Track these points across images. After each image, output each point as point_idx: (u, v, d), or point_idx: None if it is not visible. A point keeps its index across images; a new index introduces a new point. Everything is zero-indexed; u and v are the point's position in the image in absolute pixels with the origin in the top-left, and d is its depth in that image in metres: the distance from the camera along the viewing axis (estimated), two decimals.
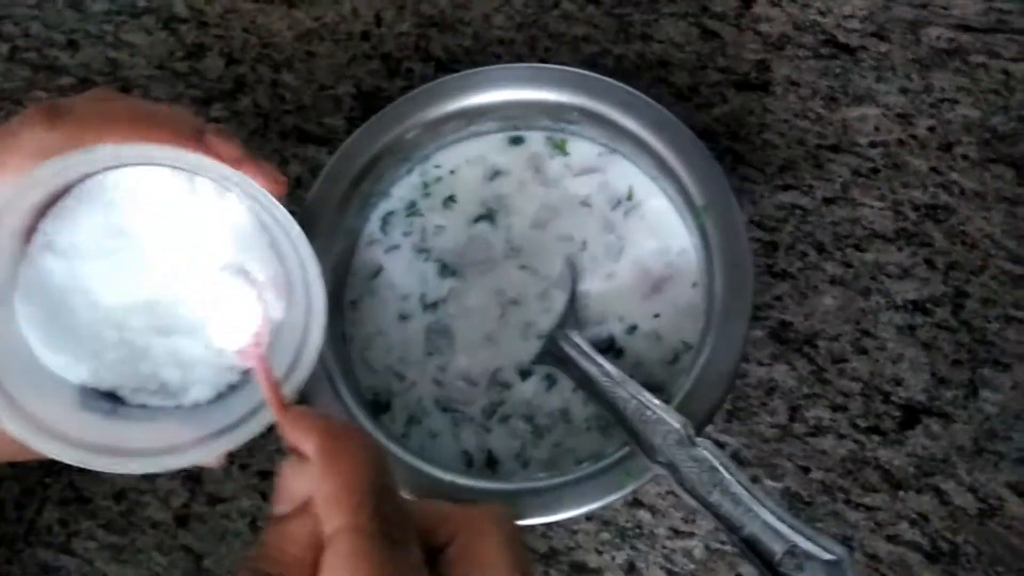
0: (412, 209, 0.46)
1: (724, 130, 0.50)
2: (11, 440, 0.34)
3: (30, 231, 0.36)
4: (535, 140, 0.47)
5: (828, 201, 0.48)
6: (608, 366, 0.39)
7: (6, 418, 0.33)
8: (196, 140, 0.36)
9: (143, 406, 0.38)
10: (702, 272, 0.41)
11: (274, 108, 0.54)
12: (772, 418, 0.44)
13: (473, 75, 0.45)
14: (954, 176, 0.47)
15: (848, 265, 0.46)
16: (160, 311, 0.37)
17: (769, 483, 0.43)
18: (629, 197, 0.45)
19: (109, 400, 0.38)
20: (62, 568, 0.46)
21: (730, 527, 0.33)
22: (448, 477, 0.39)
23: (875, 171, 0.48)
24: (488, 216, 0.46)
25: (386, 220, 0.46)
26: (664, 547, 0.43)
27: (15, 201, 0.34)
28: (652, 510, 0.44)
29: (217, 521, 0.46)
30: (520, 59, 0.53)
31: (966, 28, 0.50)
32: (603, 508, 0.43)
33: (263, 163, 0.37)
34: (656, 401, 0.37)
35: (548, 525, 0.44)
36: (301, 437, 0.25)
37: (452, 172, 0.47)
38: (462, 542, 0.25)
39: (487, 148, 0.47)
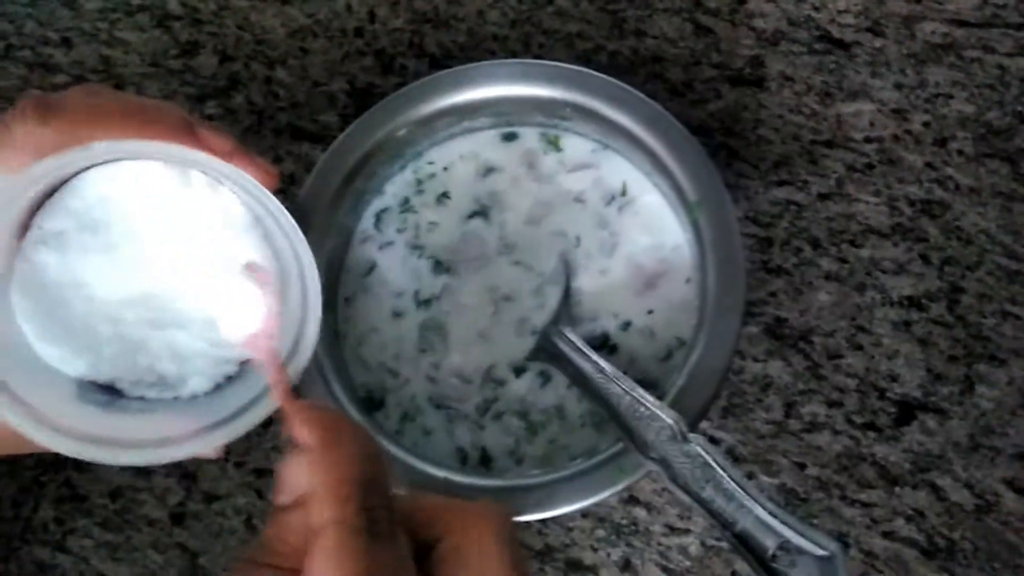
0: (406, 206, 0.46)
1: (718, 126, 0.50)
2: (10, 433, 0.34)
3: (25, 226, 0.37)
4: (529, 136, 0.47)
5: (823, 197, 0.47)
6: (601, 362, 0.39)
7: (5, 410, 0.34)
8: (188, 134, 0.36)
9: (141, 398, 0.38)
10: (695, 268, 0.41)
11: (268, 105, 0.54)
12: (768, 414, 0.44)
13: (466, 71, 0.45)
14: (949, 171, 0.47)
15: (843, 261, 0.46)
16: (156, 304, 0.37)
17: (765, 479, 0.43)
18: (623, 193, 0.45)
19: (107, 392, 0.38)
20: (58, 566, 0.46)
21: (723, 523, 0.33)
22: (442, 474, 0.39)
23: (870, 167, 0.48)
24: (482, 212, 0.46)
25: (379, 217, 0.46)
26: (660, 544, 0.43)
27: (10, 196, 0.34)
28: (648, 507, 0.44)
29: (213, 519, 0.46)
30: (514, 55, 0.53)
31: (961, 23, 0.50)
32: (597, 505, 0.43)
33: (255, 156, 0.37)
34: (649, 397, 0.37)
35: (543, 522, 0.44)
36: (301, 429, 0.25)
37: (445, 168, 0.47)
38: (455, 538, 0.25)
39: (480, 144, 0.47)
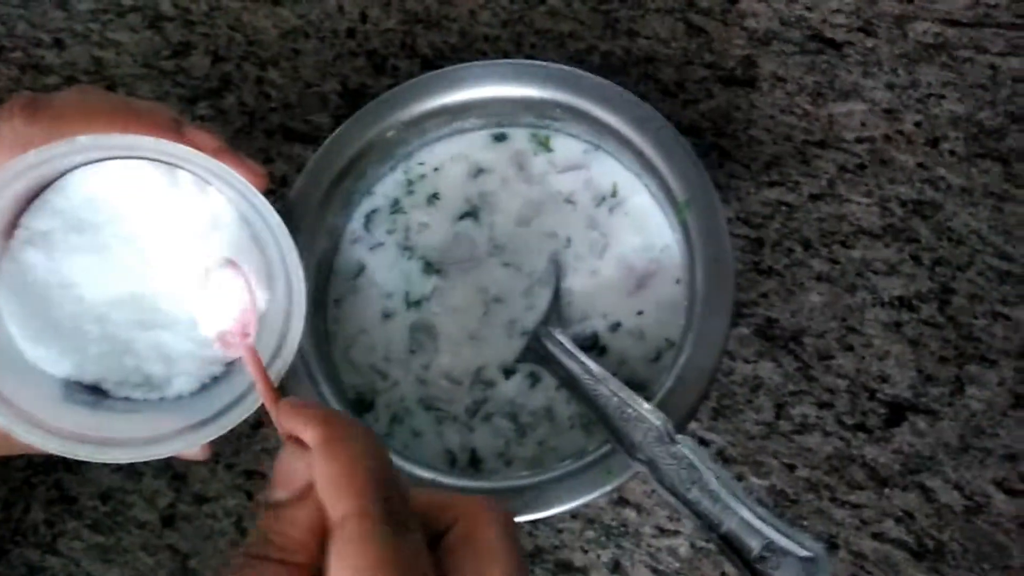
0: (396, 207, 0.46)
1: (710, 126, 0.49)
2: (0, 435, 0.34)
3: (11, 226, 0.37)
4: (519, 137, 0.46)
5: (814, 197, 0.47)
6: (590, 363, 0.39)
7: None
8: (176, 131, 0.36)
9: (127, 399, 0.38)
10: (685, 269, 0.41)
11: (260, 106, 0.54)
12: (758, 415, 0.44)
13: (456, 71, 0.45)
14: (941, 171, 0.47)
15: (834, 261, 0.46)
16: (143, 305, 0.37)
17: (755, 481, 0.43)
18: (613, 194, 0.45)
19: (93, 393, 0.38)
20: (48, 568, 0.46)
21: (708, 524, 0.33)
22: (431, 476, 0.39)
23: (862, 167, 0.48)
24: (472, 213, 0.46)
25: (369, 218, 0.46)
26: (649, 545, 0.43)
27: None
28: (638, 508, 0.44)
29: (203, 521, 0.46)
30: (506, 56, 0.52)
31: (952, 23, 0.50)
32: (587, 506, 0.43)
33: (243, 156, 0.37)
34: (636, 398, 0.37)
35: (533, 523, 0.44)
36: (299, 426, 0.26)
37: (436, 169, 0.47)
38: (461, 529, 0.25)
39: (471, 145, 0.47)
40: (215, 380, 0.39)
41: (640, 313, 0.42)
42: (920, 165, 0.47)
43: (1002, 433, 0.42)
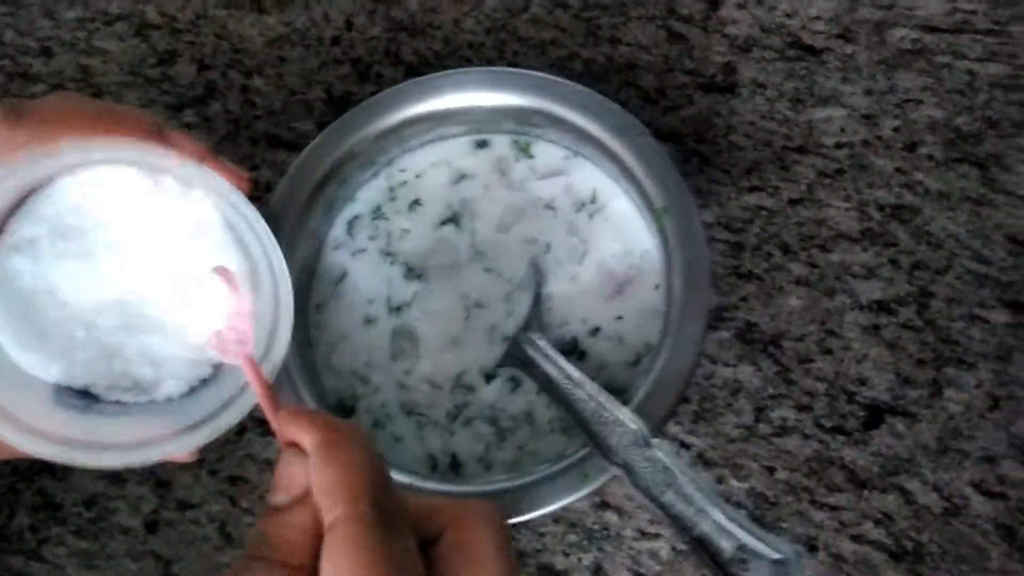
0: (378, 213, 0.47)
1: (691, 132, 0.50)
2: None
3: None
4: (500, 143, 0.47)
5: (794, 202, 0.48)
6: (568, 368, 0.39)
7: None
8: (158, 137, 0.36)
9: (116, 402, 0.38)
10: (663, 274, 0.42)
11: (245, 113, 0.54)
12: (738, 418, 0.44)
13: (437, 79, 0.46)
14: (919, 176, 0.47)
15: (813, 266, 0.46)
16: (130, 309, 0.38)
17: (735, 483, 0.43)
18: (593, 200, 0.45)
19: (83, 397, 0.38)
20: (33, 574, 0.46)
21: (682, 527, 0.33)
22: (410, 480, 0.39)
23: (840, 172, 0.48)
24: (453, 219, 0.46)
25: (352, 224, 0.47)
26: (631, 548, 0.43)
27: None
28: (619, 512, 0.44)
29: (186, 527, 0.46)
30: (490, 63, 0.53)
31: (931, 29, 0.50)
32: (568, 510, 0.43)
33: (226, 161, 0.37)
34: (614, 402, 0.37)
35: (514, 526, 0.44)
36: (299, 432, 0.26)
37: (418, 176, 0.47)
38: (453, 534, 0.26)
39: (452, 152, 0.47)
40: (204, 383, 0.40)
41: (619, 318, 0.43)
42: (898, 170, 0.48)
43: (980, 435, 0.43)
